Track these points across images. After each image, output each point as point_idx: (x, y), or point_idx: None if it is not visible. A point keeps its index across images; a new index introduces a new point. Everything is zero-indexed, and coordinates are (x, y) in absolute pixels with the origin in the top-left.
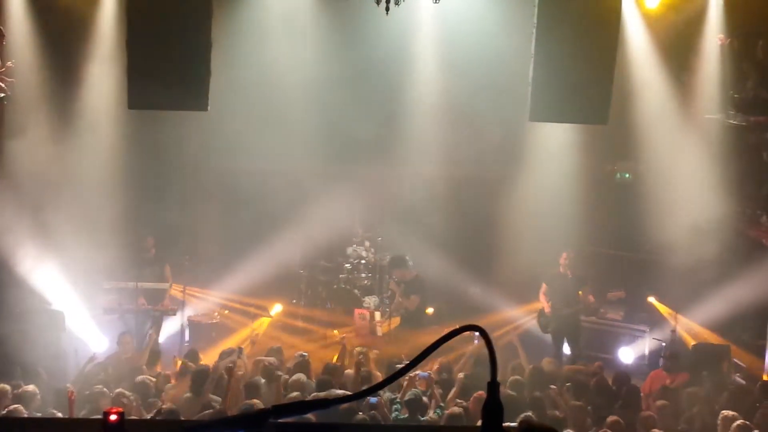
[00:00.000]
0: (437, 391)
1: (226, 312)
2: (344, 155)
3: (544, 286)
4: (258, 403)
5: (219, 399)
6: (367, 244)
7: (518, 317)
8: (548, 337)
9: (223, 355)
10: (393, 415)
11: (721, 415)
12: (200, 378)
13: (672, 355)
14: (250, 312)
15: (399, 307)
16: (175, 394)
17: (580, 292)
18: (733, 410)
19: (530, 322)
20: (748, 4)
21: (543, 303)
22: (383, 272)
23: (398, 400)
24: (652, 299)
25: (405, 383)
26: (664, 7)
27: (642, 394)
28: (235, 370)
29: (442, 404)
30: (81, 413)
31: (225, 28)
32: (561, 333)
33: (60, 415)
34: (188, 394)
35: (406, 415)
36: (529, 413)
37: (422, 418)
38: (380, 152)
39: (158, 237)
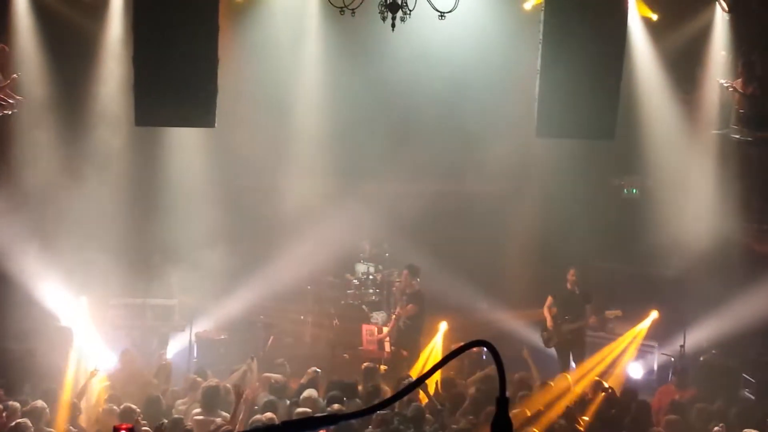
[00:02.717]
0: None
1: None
2: (351, 171)
3: (549, 299)
4: (267, 419)
5: (227, 415)
6: (372, 258)
7: (525, 331)
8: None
9: (233, 371)
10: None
11: None
12: (210, 395)
13: (683, 371)
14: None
15: (399, 314)
16: (186, 410)
17: (587, 308)
18: (743, 426)
19: (537, 336)
20: (753, 19)
21: (546, 317)
22: (391, 288)
23: (398, 411)
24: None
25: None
26: (669, 21)
27: (652, 410)
28: (242, 388)
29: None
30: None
31: (232, 45)
32: (565, 348)
33: (74, 430)
34: (197, 410)
35: (413, 430)
36: (534, 429)
37: (427, 430)
38: (387, 168)
39: (165, 253)
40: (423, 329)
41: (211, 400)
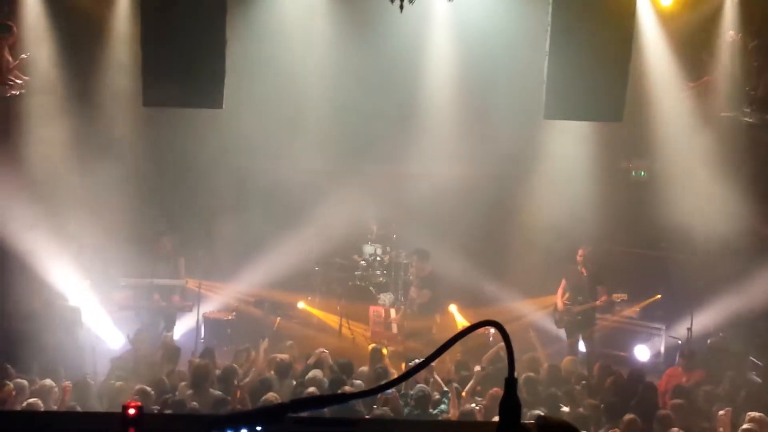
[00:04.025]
0: (454, 386)
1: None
2: (359, 153)
3: (563, 281)
4: (274, 398)
5: (219, 393)
6: (380, 240)
7: (533, 313)
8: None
9: (238, 353)
10: (406, 410)
11: (747, 417)
12: (199, 373)
13: (690, 353)
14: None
15: (412, 298)
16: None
17: (599, 288)
18: (750, 409)
19: (545, 318)
20: (762, 1)
21: (558, 298)
22: (398, 269)
23: (404, 392)
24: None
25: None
26: (679, 4)
27: (659, 392)
28: (245, 370)
29: (445, 401)
30: (101, 408)
31: (239, 26)
32: (575, 330)
33: (79, 408)
34: (190, 392)
35: (419, 411)
36: (540, 411)
37: (433, 412)
38: (395, 150)
39: (173, 233)
40: (438, 313)
41: (199, 378)
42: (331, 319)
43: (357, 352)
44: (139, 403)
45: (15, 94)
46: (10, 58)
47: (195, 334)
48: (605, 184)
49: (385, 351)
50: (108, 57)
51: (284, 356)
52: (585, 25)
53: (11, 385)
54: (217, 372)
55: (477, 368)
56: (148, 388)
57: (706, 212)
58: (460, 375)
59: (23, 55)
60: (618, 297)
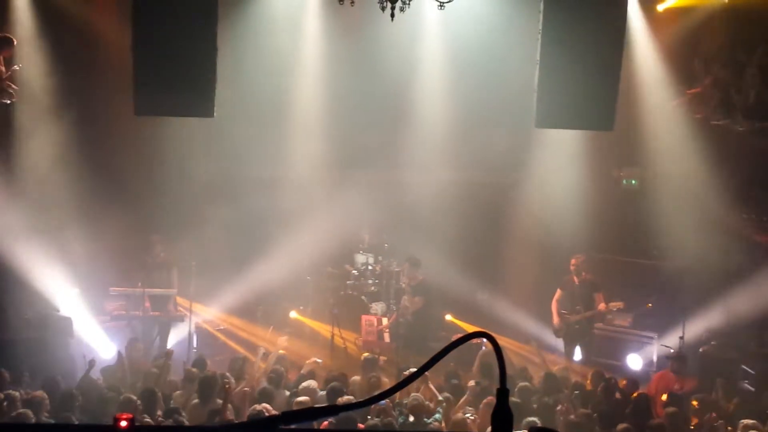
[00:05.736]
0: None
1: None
2: (351, 161)
3: (558, 292)
4: (266, 409)
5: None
6: (371, 249)
7: (526, 322)
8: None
9: (234, 362)
10: (400, 420)
11: (741, 424)
12: (207, 385)
13: (679, 356)
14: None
15: (404, 306)
16: (183, 402)
17: (596, 296)
18: (742, 417)
19: (540, 328)
20: (751, 11)
21: (553, 310)
22: (390, 278)
23: (397, 402)
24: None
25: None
26: (670, 12)
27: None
28: (231, 386)
29: (439, 410)
30: (91, 420)
31: (231, 35)
32: (573, 339)
33: (75, 420)
34: (195, 401)
35: (413, 421)
36: (534, 419)
37: (428, 421)
38: (387, 158)
39: (165, 242)
40: (431, 321)
41: (207, 390)
42: (324, 329)
43: (350, 361)
44: (130, 415)
45: (6, 103)
46: (3, 69)
47: (188, 343)
48: (596, 193)
49: (382, 359)
50: (100, 66)
51: (276, 366)
52: (576, 34)
53: (2, 395)
54: None
55: (471, 383)
56: (134, 396)
57: (697, 220)
58: (451, 384)
59: (16, 66)
60: (614, 305)
